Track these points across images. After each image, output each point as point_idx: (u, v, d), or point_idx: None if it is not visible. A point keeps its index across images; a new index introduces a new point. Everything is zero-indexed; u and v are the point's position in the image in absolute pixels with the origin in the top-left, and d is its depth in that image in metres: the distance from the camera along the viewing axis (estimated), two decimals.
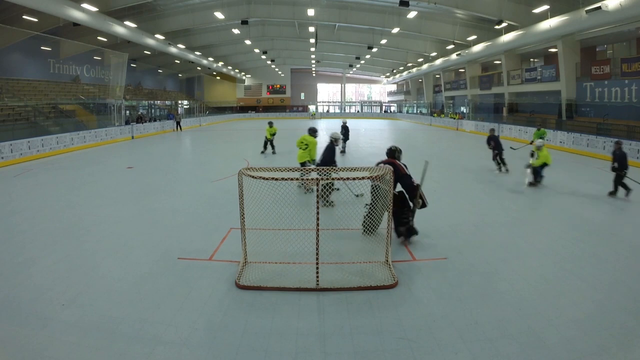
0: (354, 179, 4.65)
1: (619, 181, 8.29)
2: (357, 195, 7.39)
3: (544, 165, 9.10)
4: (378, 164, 5.58)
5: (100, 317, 3.68)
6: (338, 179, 4.86)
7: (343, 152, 15.15)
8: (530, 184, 9.11)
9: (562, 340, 3.32)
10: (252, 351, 3.22)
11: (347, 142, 15.86)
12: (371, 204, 5.33)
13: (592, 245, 5.44)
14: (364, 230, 5.58)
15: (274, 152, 14.73)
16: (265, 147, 14.90)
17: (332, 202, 7.21)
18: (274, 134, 14.66)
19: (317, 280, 4.22)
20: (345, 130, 15.43)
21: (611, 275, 4.52)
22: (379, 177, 4.54)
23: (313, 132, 8.70)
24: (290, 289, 4.19)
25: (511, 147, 14.49)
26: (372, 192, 5.21)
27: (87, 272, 4.65)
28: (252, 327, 3.54)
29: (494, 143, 11.15)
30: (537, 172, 9.17)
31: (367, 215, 5.46)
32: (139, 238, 5.83)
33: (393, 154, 5.63)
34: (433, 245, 5.48)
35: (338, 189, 7.99)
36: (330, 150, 7.73)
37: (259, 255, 4.80)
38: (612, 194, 8.29)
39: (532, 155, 9.36)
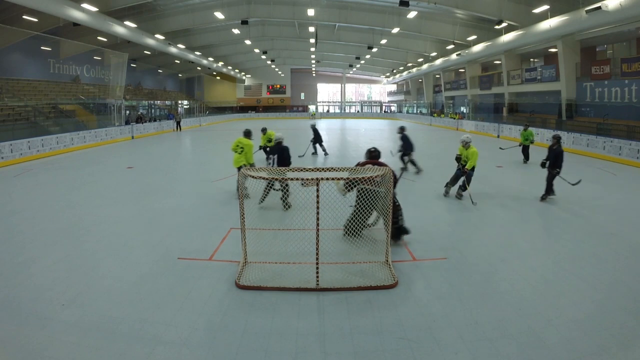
0: (354, 179, 4.64)
1: (550, 181, 7.73)
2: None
3: (472, 169, 7.79)
4: (361, 164, 5.47)
5: (100, 317, 3.68)
6: (339, 179, 4.85)
7: (315, 153, 14.62)
8: (447, 193, 8.11)
9: (562, 340, 3.32)
10: (252, 351, 3.22)
11: (323, 143, 14.90)
12: (356, 206, 5.15)
13: (592, 245, 5.44)
14: (345, 232, 5.45)
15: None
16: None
17: (288, 203, 7.08)
18: (270, 141, 12.26)
19: (317, 280, 4.21)
20: (314, 132, 14.64)
21: (611, 275, 4.52)
22: (372, 180, 4.52)
23: (248, 134, 8.06)
24: (290, 289, 4.19)
25: (500, 148, 14.04)
26: (359, 195, 5.00)
27: (87, 272, 4.65)
28: (252, 327, 3.55)
29: (403, 142, 10.88)
30: (469, 178, 7.77)
31: (351, 217, 5.32)
32: (139, 238, 5.83)
33: (379, 155, 5.72)
34: (433, 245, 5.48)
35: (277, 190, 7.66)
36: (283, 150, 7.51)
37: (259, 255, 4.80)
38: (544, 198, 7.76)
39: (458, 160, 7.96)
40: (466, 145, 7.84)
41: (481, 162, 10.67)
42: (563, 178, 7.92)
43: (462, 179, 7.85)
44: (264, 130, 12.56)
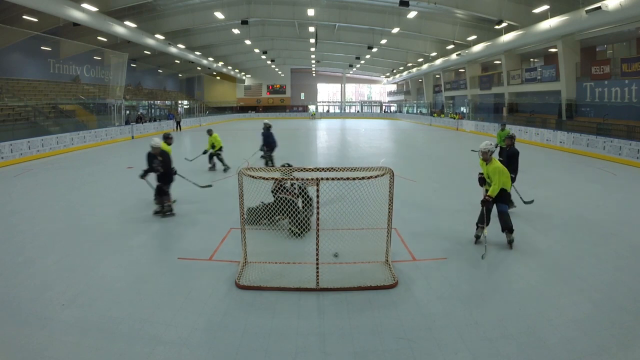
0: (354, 179, 4.65)
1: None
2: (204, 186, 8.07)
3: (503, 194, 5.32)
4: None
5: (100, 317, 3.68)
6: (338, 179, 4.86)
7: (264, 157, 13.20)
8: (479, 241, 5.51)
9: (562, 340, 3.32)
10: (252, 351, 3.22)
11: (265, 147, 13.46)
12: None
13: (592, 245, 5.44)
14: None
15: (225, 169, 11.62)
16: (210, 160, 11.84)
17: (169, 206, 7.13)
18: (218, 147, 11.60)
19: (317, 280, 4.22)
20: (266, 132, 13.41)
21: (611, 275, 4.52)
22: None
23: (166, 138, 7.75)
24: (290, 289, 4.20)
25: (472, 150, 13.10)
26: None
27: (87, 272, 4.65)
28: (252, 327, 3.55)
29: (264, 141, 11.22)
30: (504, 215, 5.35)
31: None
32: (139, 238, 5.83)
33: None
34: (433, 245, 5.48)
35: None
36: (150, 157, 6.93)
37: (259, 255, 4.80)
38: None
39: (482, 182, 5.59)
40: (487, 157, 5.35)
41: (476, 162, 10.57)
42: (517, 191, 6.82)
43: (500, 211, 5.38)
44: (209, 132, 11.83)
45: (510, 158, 6.69)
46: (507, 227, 5.38)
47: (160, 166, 6.80)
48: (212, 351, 3.22)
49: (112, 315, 3.71)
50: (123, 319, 3.64)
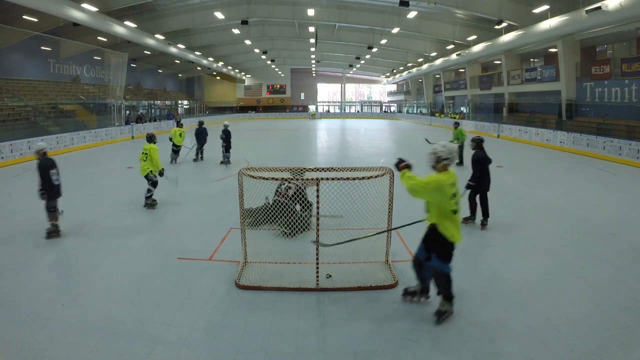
0: (354, 179, 4.65)
1: (472, 198, 6.08)
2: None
3: (442, 242, 3.45)
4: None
5: (100, 317, 3.68)
6: (338, 179, 4.86)
7: (227, 162, 12.47)
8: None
9: (562, 340, 3.32)
10: (252, 351, 3.22)
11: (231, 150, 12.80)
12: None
13: (592, 245, 5.44)
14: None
15: (173, 160, 12.73)
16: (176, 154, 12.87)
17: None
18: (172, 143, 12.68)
19: (317, 280, 4.21)
20: (226, 135, 12.41)
21: (611, 275, 4.52)
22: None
23: (150, 138, 7.51)
24: (290, 289, 4.19)
25: (426, 139, 12.28)
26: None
27: (87, 272, 4.65)
28: (252, 327, 3.54)
29: (199, 135, 13.10)
30: (438, 271, 3.60)
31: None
32: (139, 238, 5.83)
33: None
34: None
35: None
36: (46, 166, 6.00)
37: (259, 255, 4.80)
38: (468, 219, 6.13)
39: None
40: (436, 164, 3.80)
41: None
42: (479, 202, 6.10)
43: (434, 267, 3.57)
44: (179, 125, 13.53)
45: (473, 164, 6.02)
46: (444, 293, 3.56)
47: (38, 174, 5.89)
48: (212, 351, 3.22)
49: (112, 315, 3.71)
50: (123, 319, 3.63)
